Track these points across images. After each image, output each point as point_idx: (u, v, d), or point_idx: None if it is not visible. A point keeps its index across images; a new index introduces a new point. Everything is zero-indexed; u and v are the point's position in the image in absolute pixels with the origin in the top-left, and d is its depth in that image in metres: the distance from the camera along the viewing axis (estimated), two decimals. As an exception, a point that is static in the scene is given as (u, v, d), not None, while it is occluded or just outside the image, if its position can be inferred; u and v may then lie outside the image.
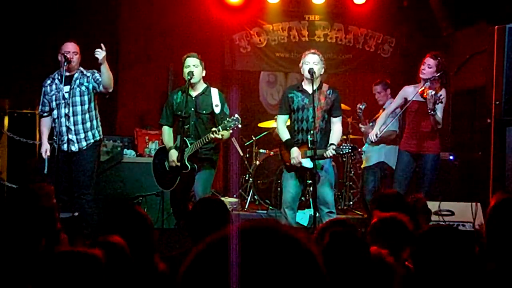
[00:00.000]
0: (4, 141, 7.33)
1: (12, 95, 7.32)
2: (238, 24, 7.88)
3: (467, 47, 7.14)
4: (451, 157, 6.69)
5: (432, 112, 5.35)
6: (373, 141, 5.66)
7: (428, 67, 5.52)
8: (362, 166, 6.66)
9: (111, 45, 6.58)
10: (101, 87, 5.36)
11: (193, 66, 5.27)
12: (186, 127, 5.24)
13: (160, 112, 5.65)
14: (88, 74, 5.43)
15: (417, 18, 7.71)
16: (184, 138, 5.21)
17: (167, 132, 5.47)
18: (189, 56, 5.32)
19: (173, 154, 5.29)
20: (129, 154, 6.81)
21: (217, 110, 5.24)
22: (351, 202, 7.45)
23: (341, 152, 5.26)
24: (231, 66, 8.03)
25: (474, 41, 6.83)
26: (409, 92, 5.66)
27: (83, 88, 5.40)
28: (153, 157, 5.78)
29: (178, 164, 5.18)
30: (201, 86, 5.39)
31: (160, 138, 6.65)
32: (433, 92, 5.30)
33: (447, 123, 7.09)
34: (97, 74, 5.37)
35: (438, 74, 5.48)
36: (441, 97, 5.34)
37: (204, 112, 5.31)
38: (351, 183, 7.31)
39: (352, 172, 7.35)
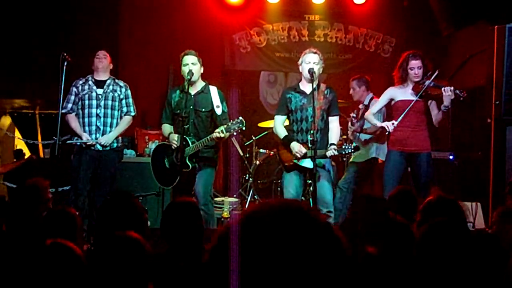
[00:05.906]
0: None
1: (12, 95, 7.33)
2: (238, 24, 7.88)
3: (467, 47, 7.14)
4: (451, 157, 6.67)
5: (446, 109, 5.32)
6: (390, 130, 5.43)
7: (418, 68, 5.44)
8: (350, 161, 6.48)
9: (111, 45, 6.59)
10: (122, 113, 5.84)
11: (191, 64, 5.25)
12: (186, 126, 5.23)
13: (160, 112, 5.64)
14: (122, 85, 5.83)
15: (417, 18, 7.70)
16: (184, 136, 5.20)
17: (168, 127, 5.44)
18: (186, 54, 5.30)
19: (174, 136, 5.27)
20: (129, 154, 6.79)
21: (218, 111, 5.22)
22: (351, 202, 7.42)
23: (343, 152, 5.22)
24: (231, 66, 8.02)
25: (474, 41, 6.83)
26: (397, 92, 5.55)
27: (116, 94, 5.75)
28: (152, 154, 5.74)
29: (178, 144, 5.14)
30: (200, 84, 5.37)
31: (160, 138, 6.65)
32: (452, 89, 5.23)
33: (447, 123, 7.10)
34: (125, 101, 5.81)
35: (430, 73, 5.44)
36: (463, 93, 5.27)
37: (203, 110, 5.29)
38: (351, 183, 7.29)
39: (352, 172, 7.32)
